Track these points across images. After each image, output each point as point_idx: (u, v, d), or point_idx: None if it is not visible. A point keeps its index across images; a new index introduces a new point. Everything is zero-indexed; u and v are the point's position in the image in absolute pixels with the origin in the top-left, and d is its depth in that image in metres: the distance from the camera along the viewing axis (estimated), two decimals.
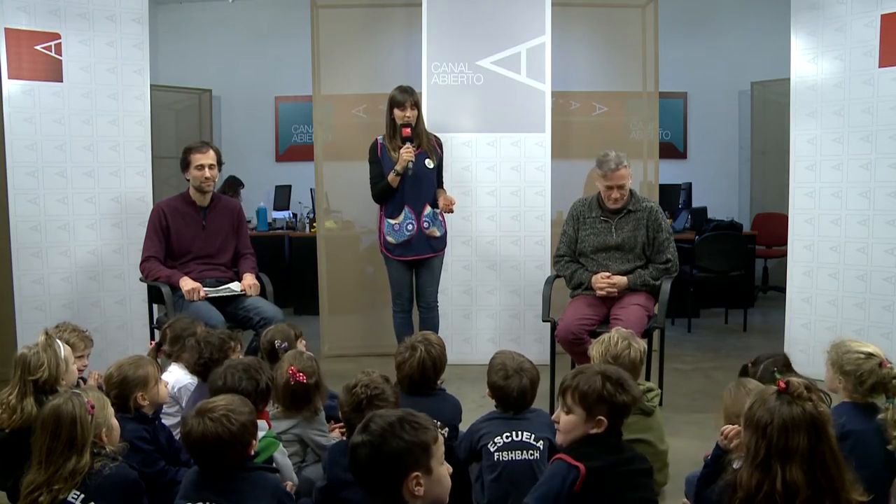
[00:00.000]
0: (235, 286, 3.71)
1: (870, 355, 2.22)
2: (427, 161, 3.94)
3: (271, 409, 2.47)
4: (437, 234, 3.98)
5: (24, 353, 2.33)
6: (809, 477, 1.62)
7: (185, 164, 3.74)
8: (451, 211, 3.95)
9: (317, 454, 2.50)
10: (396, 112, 3.87)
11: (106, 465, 1.93)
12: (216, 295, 3.63)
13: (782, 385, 1.70)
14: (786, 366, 2.62)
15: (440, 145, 4.08)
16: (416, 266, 4.03)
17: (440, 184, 4.07)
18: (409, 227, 3.91)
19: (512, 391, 2.32)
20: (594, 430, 1.94)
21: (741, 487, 1.67)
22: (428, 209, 3.93)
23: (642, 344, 2.71)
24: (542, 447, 2.27)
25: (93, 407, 1.95)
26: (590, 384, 1.95)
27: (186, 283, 3.57)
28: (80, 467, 1.89)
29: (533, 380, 2.37)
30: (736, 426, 2.02)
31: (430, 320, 4.04)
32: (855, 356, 2.23)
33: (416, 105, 3.90)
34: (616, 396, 1.93)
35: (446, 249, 4.11)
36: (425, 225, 3.92)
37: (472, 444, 2.32)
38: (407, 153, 3.80)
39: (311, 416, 2.51)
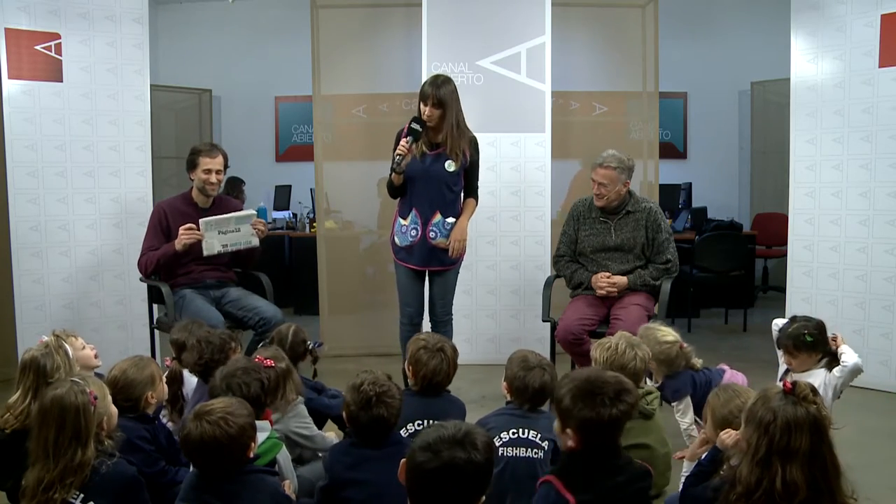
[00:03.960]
0: (244, 240, 3.71)
1: None
2: (447, 163, 3.49)
3: None
4: (447, 246, 3.55)
5: (35, 356, 2.28)
6: (809, 478, 1.63)
7: (193, 165, 3.72)
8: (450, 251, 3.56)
9: (310, 450, 2.50)
10: (421, 106, 3.49)
11: (104, 463, 1.93)
12: (230, 248, 3.65)
13: (788, 386, 1.71)
14: (820, 331, 2.74)
15: (475, 148, 3.61)
16: (429, 276, 3.67)
17: (470, 192, 3.64)
18: (414, 232, 3.54)
19: (533, 383, 2.33)
20: (570, 444, 1.86)
21: (740, 483, 1.68)
22: (438, 217, 3.51)
23: (647, 350, 2.71)
24: (546, 447, 2.28)
25: (95, 398, 1.95)
26: (559, 394, 1.87)
27: (180, 238, 3.55)
28: (85, 459, 1.89)
29: (553, 377, 2.39)
30: (733, 431, 2.02)
31: (443, 335, 3.75)
32: None
33: (442, 103, 3.44)
34: (579, 411, 1.81)
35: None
36: (431, 235, 3.52)
37: None
38: (400, 147, 3.42)
39: (284, 406, 2.50)
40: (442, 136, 3.50)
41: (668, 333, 2.90)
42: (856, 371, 2.72)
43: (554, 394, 1.95)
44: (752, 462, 1.67)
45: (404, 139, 3.44)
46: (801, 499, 1.62)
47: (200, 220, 3.59)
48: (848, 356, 2.73)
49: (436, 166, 3.51)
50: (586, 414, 1.82)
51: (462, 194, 3.63)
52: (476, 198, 3.68)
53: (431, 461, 1.48)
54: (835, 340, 2.80)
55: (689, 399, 2.89)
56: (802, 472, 1.62)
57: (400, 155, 3.41)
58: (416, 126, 3.45)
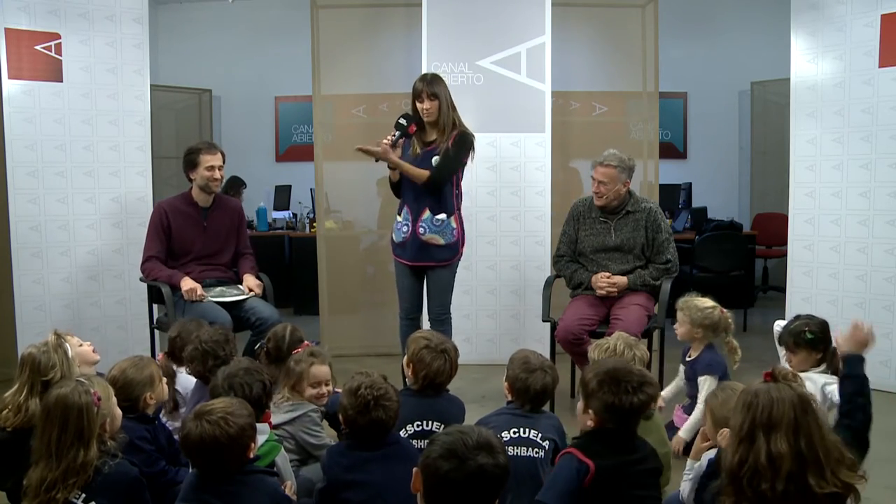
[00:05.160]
0: (237, 291, 3.70)
1: None
2: (434, 160, 3.52)
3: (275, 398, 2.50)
4: (441, 242, 3.54)
5: (32, 352, 2.31)
6: (794, 448, 1.60)
7: (193, 164, 3.71)
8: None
9: (313, 455, 2.50)
10: (417, 104, 3.54)
11: (106, 463, 1.93)
12: (221, 300, 3.61)
13: (768, 375, 1.72)
14: (822, 330, 2.77)
15: (460, 141, 3.54)
16: (424, 274, 3.68)
17: (431, 169, 3.53)
18: (405, 228, 3.59)
19: (535, 385, 2.34)
20: (590, 423, 2.01)
21: (724, 468, 1.66)
22: (427, 213, 3.53)
23: (645, 350, 2.73)
24: (547, 447, 2.29)
25: (99, 399, 1.95)
26: (586, 376, 2.04)
27: (186, 284, 3.57)
28: (88, 459, 1.89)
29: (554, 380, 2.41)
30: (726, 431, 2.02)
31: (442, 333, 3.71)
32: None
33: (436, 95, 3.50)
34: (604, 394, 1.97)
35: (459, 259, 3.69)
36: (421, 230, 3.53)
37: None
38: (385, 140, 3.44)
39: (300, 405, 2.53)
40: (436, 133, 3.55)
41: (707, 300, 3.06)
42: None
43: (580, 380, 2.10)
44: (736, 443, 1.65)
45: (391, 135, 3.48)
46: (787, 471, 1.58)
47: (206, 296, 3.58)
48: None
49: (425, 163, 3.53)
50: (609, 398, 1.97)
51: (454, 193, 3.60)
52: (433, 177, 3.47)
53: (459, 469, 1.47)
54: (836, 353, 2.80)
55: (716, 379, 2.96)
56: (788, 443, 1.59)
57: (385, 143, 3.44)
58: (402, 121, 3.51)
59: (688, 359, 3.15)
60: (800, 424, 1.62)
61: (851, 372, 2.23)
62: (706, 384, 2.95)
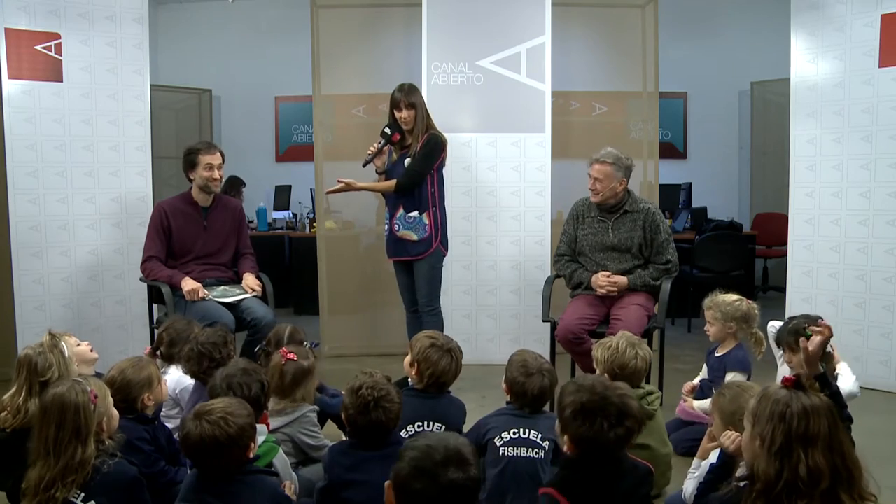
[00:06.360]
0: (238, 290, 3.70)
1: None
2: (406, 161, 3.75)
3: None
4: (414, 237, 3.75)
5: (29, 354, 2.32)
6: (831, 464, 1.56)
7: (192, 164, 3.72)
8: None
9: (311, 457, 2.50)
10: (395, 112, 3.77)
11: (105, 462, 1.93)
12: (223, 300, 3.61)
13: (789, 379, 1.68)
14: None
15: (431, 143, 3.72)
16: (412, 268, 3.86)
17: (398, 177, 3.74)
18: (386, 226, 3.85)
19: (532, 389, 2.34)
20: (566, 450, 1.89)
21: (759, 479, 1.60)
22: (401, 211, 3.75)
23: (648, 350, 2.73)
24: (547, 447, 2.29)
25: (95, 396, 1.96)
26: (563, 400, 1.88)
27: (187, 284, 3.57)
28: (86, 457, 1.89)
29: (553, 382, 2.39)
30: (734, 433, 2.00)
31: (426, 324, 3.76)
32: None
33: (413, 105, 3.73)
34: (578, 427, 1.82)
35: (440, 253, 3.84)
36: (396, 227, 3.77)
37: (479, 438, 2.34)
38: (371, 148, 3.74)
39: (298, 407, 2.53)
40: (411, 139, 3.76)
41: (732, 294, 3.13)
42: (849, 398, 2.64)
43: (557, 397, 1.93)
44: (769, 455, 1.59)
45: (376, 143, 3.74)
46: (824, 488, 1.55)
47: (209, 294, 3.59)
48: (844, 380, 2.68)
49: (399, 165, 3.77)
50: (585, 432, 1.82)
51: (428, 191, 3.75)
52: (400, 184, 3.71)
53: (430, 487, 1.43)
54: (833, 356, 2.75)
55: (745, 378, 2.98)
56: (825, 458, 1.56)
57: (369, 154, 3.72)
58: (386, 130, 3.74)
59: (716, 354, 3.16)
60: (834, 438, 1.59)
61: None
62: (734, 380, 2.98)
